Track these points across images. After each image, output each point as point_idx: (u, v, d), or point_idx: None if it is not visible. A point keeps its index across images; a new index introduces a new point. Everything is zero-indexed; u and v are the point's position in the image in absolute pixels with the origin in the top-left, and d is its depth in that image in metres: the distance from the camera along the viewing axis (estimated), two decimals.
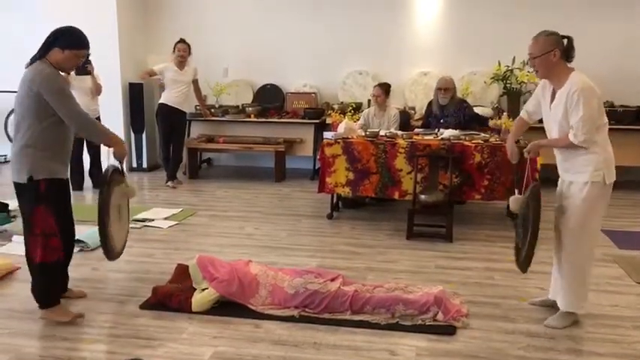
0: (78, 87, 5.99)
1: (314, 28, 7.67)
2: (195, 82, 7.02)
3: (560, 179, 3.27)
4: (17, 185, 3.19)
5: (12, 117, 3.18)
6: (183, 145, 7.12)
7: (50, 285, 3.26)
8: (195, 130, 7.62)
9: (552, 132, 3.22)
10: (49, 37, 3.16)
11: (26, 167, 3.12)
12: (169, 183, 6.90)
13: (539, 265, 4.18)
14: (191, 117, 7.51)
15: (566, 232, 3.19)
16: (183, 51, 6.75)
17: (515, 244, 3.38)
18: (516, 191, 3.43)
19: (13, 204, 5.53)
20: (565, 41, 3.14)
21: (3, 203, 5.30)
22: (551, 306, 3.39)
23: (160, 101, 6.91)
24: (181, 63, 6.78)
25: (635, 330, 3.18)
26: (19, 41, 7.85)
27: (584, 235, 3.17)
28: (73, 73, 5.62)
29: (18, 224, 4.82)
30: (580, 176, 3.11)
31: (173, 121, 6.86)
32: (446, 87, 5.71)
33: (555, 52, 3.09)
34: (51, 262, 3.19)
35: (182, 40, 6.81)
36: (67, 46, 3.14)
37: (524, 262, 3.26)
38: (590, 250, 3.23)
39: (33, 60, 3.16)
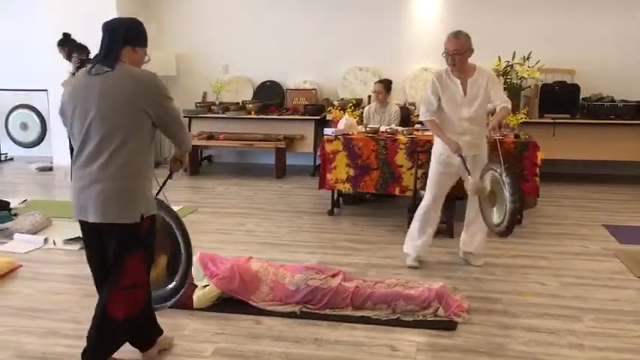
0: None
1: (314, 24, 7.64)
2: None
3: (461, 157, 3.78)
4: (116, 227, 2.49)
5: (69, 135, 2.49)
6: None
7: (123, 342, 2.75)
8: (196, 127, 7.61)
9: (462, 112, 3.81)
10: (115, 33, 2.51)
11: (139, 203, 2.51)
12: None
13: (533, 260, 4.21)
14: (191, 114, 7.52)
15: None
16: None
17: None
18: (470, 177, 3.77)
19: (15, 202, 5.58)
20: None
21: (4, 201, 5.31)
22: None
23: None
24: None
25: (636, 324, 3.18)
26: (18, 36, 7.88)
27: None
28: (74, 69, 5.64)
29: (19, 222, 4.84)
30: (482, 148, 3.94)
31: None
32: None
33: (472, 49, 3.74)
34: (136, 314, 2.67)
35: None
36: (140, 44, 2.58)
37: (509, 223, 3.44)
38: None
39: (104, 62, 2.48)
